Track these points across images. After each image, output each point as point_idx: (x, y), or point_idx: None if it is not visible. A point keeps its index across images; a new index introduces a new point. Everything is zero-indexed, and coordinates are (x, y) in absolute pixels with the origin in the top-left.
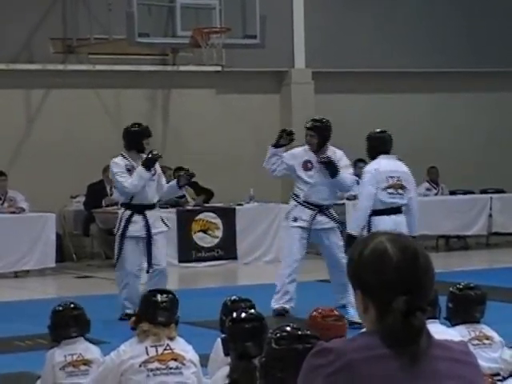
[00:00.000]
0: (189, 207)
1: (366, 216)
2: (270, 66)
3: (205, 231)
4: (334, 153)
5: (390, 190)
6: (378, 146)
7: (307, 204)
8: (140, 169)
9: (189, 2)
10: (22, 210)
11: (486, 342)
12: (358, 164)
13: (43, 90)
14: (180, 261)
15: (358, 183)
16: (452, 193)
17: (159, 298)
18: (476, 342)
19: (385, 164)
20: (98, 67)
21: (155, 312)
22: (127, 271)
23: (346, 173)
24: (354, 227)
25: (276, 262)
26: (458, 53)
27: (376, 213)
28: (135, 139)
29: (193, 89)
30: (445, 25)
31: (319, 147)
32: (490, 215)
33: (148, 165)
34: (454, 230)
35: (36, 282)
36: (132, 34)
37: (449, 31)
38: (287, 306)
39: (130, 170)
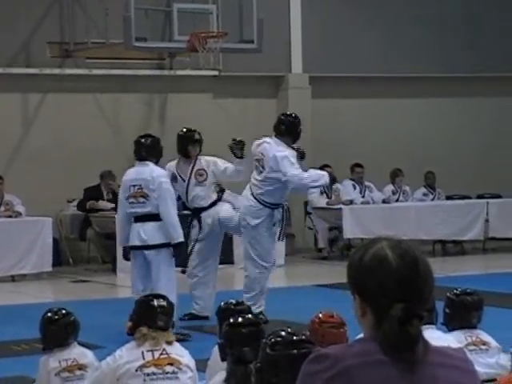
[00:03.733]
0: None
1: (125, 225)
2: (267, 70)
3: None
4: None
5: (131, 200)
6: (135, 151)
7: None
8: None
9: (186, 7)
10: (19, 214)
11: (483, 347)
12: (356, 169)
13: (40, 94)
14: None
15: (355, 188)
16: (449, 198)
17: (157, 302)
18: (472, 347)
19: (131, 172)
20: (95, 71)
21: (155, 316)
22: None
23: None
24: (118, 239)
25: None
26: (454, 58)
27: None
28: (179, 144)
29: (190, 93)
30: (442, 29)
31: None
32: (487, 220)
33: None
34: (450, 234)
35: (33, 285)
36: (129, 39)
37: (446, 36)
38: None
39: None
